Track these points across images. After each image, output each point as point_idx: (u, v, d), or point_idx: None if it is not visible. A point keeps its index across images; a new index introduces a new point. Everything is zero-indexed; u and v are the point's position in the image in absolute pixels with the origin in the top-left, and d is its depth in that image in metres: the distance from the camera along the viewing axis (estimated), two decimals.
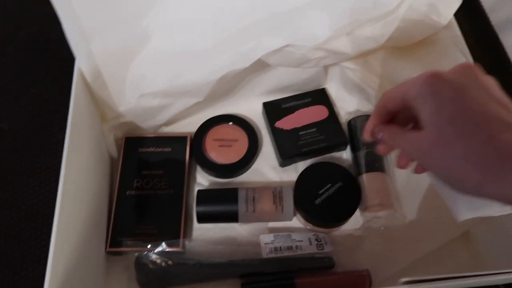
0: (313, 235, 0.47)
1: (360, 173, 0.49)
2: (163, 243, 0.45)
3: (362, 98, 0.55)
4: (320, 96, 0.55)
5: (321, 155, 0.53)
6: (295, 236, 0.46)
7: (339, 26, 0.42)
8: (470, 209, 0.36)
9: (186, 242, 0.47)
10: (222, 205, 0.47)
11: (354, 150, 0.51)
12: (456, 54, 0.46)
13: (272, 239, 0.46)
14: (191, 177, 0.52)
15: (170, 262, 0.45)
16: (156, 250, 0.45)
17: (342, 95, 0.56)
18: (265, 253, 0.45)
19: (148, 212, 0.48)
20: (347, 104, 0.56)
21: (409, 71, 0.49)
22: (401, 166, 0.35)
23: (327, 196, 0.46)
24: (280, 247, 0.45)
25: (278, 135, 0.53)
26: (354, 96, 0.55)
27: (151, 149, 0.52)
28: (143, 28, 0.42)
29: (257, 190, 0.48)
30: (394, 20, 0.45)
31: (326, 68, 0.54)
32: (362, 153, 0.50)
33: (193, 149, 0.52)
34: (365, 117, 0.52)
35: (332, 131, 0.53)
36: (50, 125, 0.55)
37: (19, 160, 0.53)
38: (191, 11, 0.41)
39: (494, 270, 0.34)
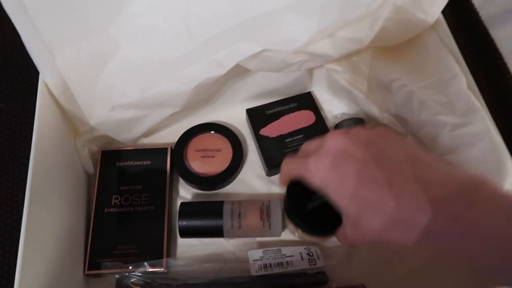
0: (305, 249, 0.44)
1: None
2: (145, 263, 0.43)
3: (350, 101, 0.52)
4: (306, 100, 0.53)
5: None
6: (285, 251, 0.44)
7: (318, 28, 0.40)
8: None
9: (170, 261, 0.44)
10: (207, 219, 0.45)
11: None
12: (445, 52, 0.44)
13: (261, 255, 0.44)
14: (173, 191, 0.50)
15: (153, 283, 0.42)
16: (137, 271, 0.42)
17: (329, 98, 0.54)
18: (254, 271, 0.42)
19: (128, 231, 0.45)
20: (335, 108, 0.54)
21: (396, 71, 0.47)
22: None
23: (320, 202, 0.44)
24: (270, 263, 0.43)
25: (263, 143, 0.50)
26: (342, 99, 0.53)
27: (130, 163, 0.49)
28: (110, 37, 0.39)
29: (243, 205, 0.45)
30: (378, 20, 0.43)
31: (311, 71, 0.52)
32: None
33: (174, 161, 0.50)
34: (353, 120, 0.50)
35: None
36: (19, 141, 0.51)
37: None
38: (161, 18, 0.38)
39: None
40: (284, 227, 0.47)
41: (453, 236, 0.26)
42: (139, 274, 0.42)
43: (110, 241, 0.45)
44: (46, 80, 0.39)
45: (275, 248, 0.44)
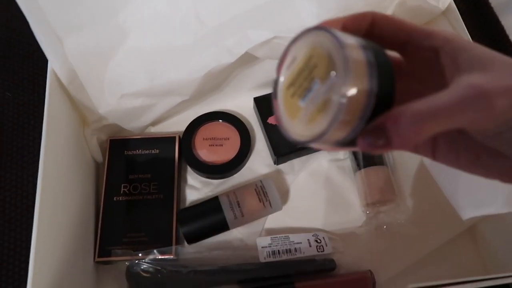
0: (312, 235, 0.45)
1: (358, 168, 0.47)
2: (155, 251, 0.43)
3: None
4: None
5: (317, 151, 0.50)
6: (293, 237, 0.44)
7: (328, 15, 0.40)
8: (473, 208, 0.34)
9: (179, 249, 0.45)
10: (208, 218, 0.45)
11: None
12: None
13: (269, 242, 0.44)
14: (182, 179, 0.50)
15: (163, 270, 0.42)
16: (147, 258, 0.43)
17: None
18: (263, 257, 0.43)
19: (137, 219, 0.46)
20: None
21: None
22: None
23: None
24: (278, 250, 0.43)
25: (271, 132, 0.50)
26: None
27: (138, 152, 0.49)
28: (119, 25, 0.38)
29: (238, 193, 0.45)
30: (388, 6, 0.43)
31: None
32: None
33: (182, 150, 0.50)
34: None
35: None
36: (28, 130, 0.52)
37: None
38: (170, 5, 0.38)
39: (501, 269, 0.32)
40: (283, 201, 0.47)
41: None
42: (149, 261, 0.43)
43: (119, 229, 0.45)
44: (55, 68, 0.39)
45: (283, 235, 0.45)
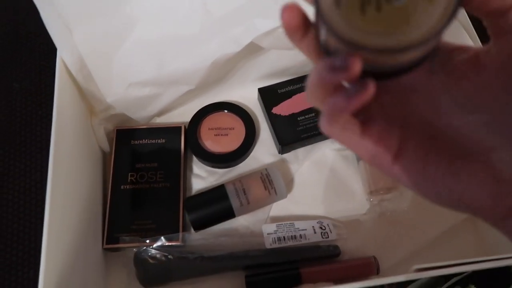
0: (317, 222, 0.45)
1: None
2: (162, 238, 0.44)
3: None
4: None
5: (321, 140, 0.51)
6: (298, 224, 0.45)
7: None
8: None
9: (186, 236, 0.45)
10: (215, 206, 0.45)
11: None
12: (460, 32, 0.44)
13: (275, 228, 0.45)
14: (187, 168, 0.51)
15: (170, 257, 0.43)
16: (155, 245, 0.44)
17: None
18: (268, 244, 0.44)
19: (144, 207, 0.46)
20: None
21: None
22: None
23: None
24: (284, 237, 0.44)
25: (275, 122, 0.51)
26: None
27: (144, 141, 0.50)
28: (127, 14, 0.39)
29: (244, 181, 0.46)
30: None
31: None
32: None
33: (188, 140, 0.50)
34: None
35: None
36: (36, 120, 0.52)
37: (4, 158, 0.50)
38: None
39: (501, 253, 0.33)
40: (288, 189, 0.47)
41: None
42: (156, 248, 0.43)
43: (127, 217, 0.46)
44: (64, 57, 0.39)
45: (288, 222, 0.45)
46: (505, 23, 0.17)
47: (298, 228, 0.45)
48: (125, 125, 0.51)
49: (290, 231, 0.44)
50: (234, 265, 0.44)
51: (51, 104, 0.38)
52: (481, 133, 0.19)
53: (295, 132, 0.50)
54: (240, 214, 0.46)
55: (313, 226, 0.45)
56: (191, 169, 0.51)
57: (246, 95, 0.54)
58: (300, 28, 0.18)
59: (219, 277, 0.44)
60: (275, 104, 0.52)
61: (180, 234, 0.45)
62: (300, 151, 0.51)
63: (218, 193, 0.46)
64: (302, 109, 0.51)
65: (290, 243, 0.44)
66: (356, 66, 0.16)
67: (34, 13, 0.37)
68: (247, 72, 0.53)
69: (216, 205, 0.45)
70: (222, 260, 0.43)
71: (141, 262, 0.43)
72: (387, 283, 0.34)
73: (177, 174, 0.48)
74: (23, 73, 0.55)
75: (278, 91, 0.53)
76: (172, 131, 0.51)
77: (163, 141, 0.50)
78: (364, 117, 0.21)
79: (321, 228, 0.45)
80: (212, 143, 0.50)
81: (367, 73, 0.17)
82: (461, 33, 0.44)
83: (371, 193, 0.46)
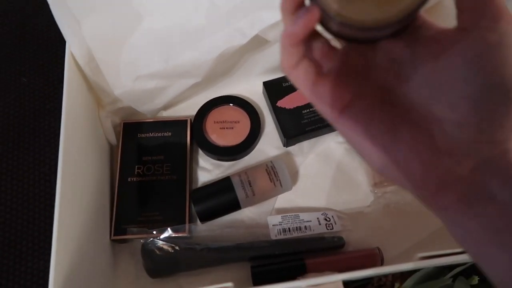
0: (322, 214, 0.46)
1: None
2: (169, 229, 0.44)
3: None
4: None
5: (325, 133, 0.51)
6: (303, 216, 0.46)
7: None
8: None
9: (192, 227, 0.46)
10: (221, 197, 0.46)
11: None
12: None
13: (280, 220, 0.45)
14: (193, 161, 0.51)
15: (177, 248, 0.44)
16: (162, 236, 0.44)
17: None
18: (274, 235, 0.44)
19: (151, 199, 0.47)
20: None
21: None
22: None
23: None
24: (289, 228, 0.45)
25: (280, 115, 0.51)
26: None
27: (151, 134, 0.51)
28: (134, 8, 0.40)
29: (249, 173, 0.46)
30: None
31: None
32: None
33: (194, 133, 0.51)
34: None
35: None
36: (43, 114, 0.53)
37: (14, 151, 0.51)
38: None
39: None
40: (293, 182, 0.48)
41: None
42: (163, 239, 0.44)
43: (134, 209, 0.46)
44: (73, 50, 0.40)
45: (293, 213, 0.46)
46: (467, 20, 0.19)
47: (303, 219, 0.45)
48: (132, 118, 0.52)
49: (295, 223, 0.45)
50: (240, 256, 0.44)
51: (58, 97, 0.39)
52: (432, 106, 0.20)
53: (300, 125, 0.50)
54: (245, 206, 0.47)
55: (317, 218, 0.45)
56: (197, 162, 0.51)
57: (251, 88, 0.54)
58: None
59: (225, 267, 0.44)
60: (280, 98, 0.52)
61: (187, 225, 0.45)
62: (305, 144, 0.51)
63: (224, 185, 0.46)
64: (307, 102, 0.51)
65: (295, 234, 0.44)
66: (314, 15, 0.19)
67: (42, 6, 0.38)
68: (252, 66, 0.53)
69: (222, 196, 0.46)
70: (228, 251, 0.44)
71: (148, 253, 0.43)
72: (391, 271, 0.34)
73: (183, 166, 0.49)
74: (31, 67, 0.56)
75: (283, 84, 0.53)
76: (178, 124, 0.51)
77: (170, 134, 0.51)
78: (326, 68, 0.22)
79: (325, 219, 0.45)
80: (217, 136, 0.51)
81: (341, 36, 0.20)
82: None
83: (375, 185, 0.46)
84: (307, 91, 0.22)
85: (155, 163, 0.49)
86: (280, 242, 0.44)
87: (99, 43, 0.40)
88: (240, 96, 0.53)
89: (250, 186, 0.46)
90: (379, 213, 0.47)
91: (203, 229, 0.46)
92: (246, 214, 0.48)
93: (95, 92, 0.46)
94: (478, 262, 0.19)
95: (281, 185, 0.46)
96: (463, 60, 0.18)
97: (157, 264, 0.44)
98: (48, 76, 0.55)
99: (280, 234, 0.44)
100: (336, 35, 0.21)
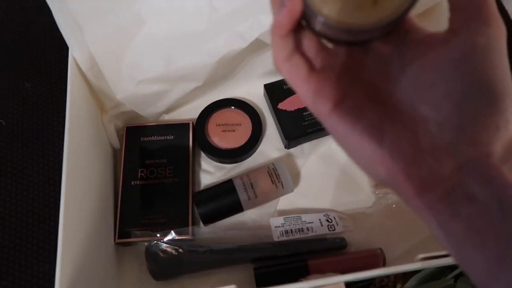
0: (324, 215, 0.46)
1: None
2: (172, 232, 0.45)
3: None
4: None
5: (326, 135, 0.52)
6: (305, 217, 0.46)
7: None
8: None
9: (196, 229, 0.46)
10: (223, 200, 0.46)
11: None
12: None
13: (282, 222, 0.46)
14: (196, 164, 0.52)
15: (180, 250, 0.44)
16: (165, 239, 0.45)
17: None
18: (276, 237, 0.44)
19: (154, 202, 0.47)
20: None
21: None
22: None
23: None
24: (291, 229, 0.45)
25: (281, 117, 0.51)
26: None
27: (154, 138, 0.51)
28: (136, 13, 0.40)
29: (251, 175, 0.47)
30: None
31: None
32: None
33: (196, 136, 0.51)
34: None
35: None
36: (47, 118, 0.54)
37: (18, 155, 0.52)
38: None
39: None
40: (295, 183, 0.48)
41: None
42: (167, 241, 0.44)
43: (138, 212, 0.47)
44: (75, 55, 0.40)
45: (295, 215, 0.46)
46: (458, 20, 0.19)
47: (305, 221, 0.46)
48: (134, 122, 0.52)
49: (297, 224, 0.45)
50: (243, 257, 0.45)
51: (61, 102, 0.39)
52: (418, 105, 0.20)
53: (301, 127, 0.51)
54: (248, 208, 0.47)
55: (319, 219, 0.46)
56: (199, 165, 0.52)
57: (252, 91, 0.55)
58: None
59: (228, 269, 0.45)
60: (281, 100, 0.52)
61: (190, 228, 0.46)
62: (306, 146, 0.52)
63: (226, 187, 0.47)
64: None
65: (298, 236, 0.45)
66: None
67: (45, 12, 0.38)
68: (252, 68, 0.53)
69: (225, 199, 0.46)
70: (231, 253, 0.44)
71: (152, 256, 0.44)
72: (393, 272, 0.35)
73: (186, 169, 0.49)
74: (35, 72, 0.56)
75: (284, 87, 0.53)
76: (180, 127, 0.52)
77: (172, 137, 0.51)
78: (318, 65, 0.23)
79: (327, 220, 0.46)
80: (219, 139, 0.51)
81: (325, 37, 0.20)
82: None
83: (377, 186, 0.47)
84: (298, 87, 0.23)
85: (158, 166, 0.49)
86: (282, 243, 0.45)
87: (101, 48, 0.41)
88: (241, 99, 0.54)
89: (252, 188, 0.46)
90: (381, 214, 0.47)
91: (206, 232, 0.46)
92: (249, 216, 0.48)
93: (98, 96, 0.46)
94: (459, 263, 0.19)
95: (283, 186, 0.47)
96: (449, 61, 0.19)
97: (161, 266, 0.44)
98: (51, 81, 0.56)
99: (283, 235, 0.45)
100: (320, 35, 0.21)
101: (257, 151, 0.52)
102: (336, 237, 0.45)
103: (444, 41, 0.19)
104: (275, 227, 0.45)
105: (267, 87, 0.54)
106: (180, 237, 0.45)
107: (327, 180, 0.50)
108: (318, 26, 0.20)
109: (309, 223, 0.45)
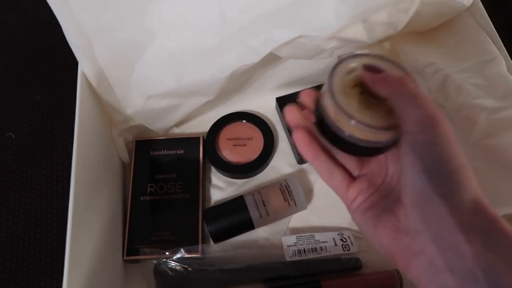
0: (338, 234, 0.45)
1: None
2: (182, 250, 0.44)
3: None
4: None
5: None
6: (318, 236, 0.44)
7: (353, 12, 0.40)
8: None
9: (205, 247, 0.45)
10: (234, 217, 0.45)
11: None
12: (482, 35, 0.43)
13: (295, 241, 0.44)
14: (206, 179, 0.51)
15: (190, 269, 0.43)
16: (174, 257, 0.43)
17: None
18: (288, 256, 0.43)
19: (164, 218, 0.46)
20: None
21: (430, 56, 0.46)
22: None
23: None
24: (304, 249, 0.43)
25: None
26: None
27: (163, 152, 0.50)
28: (146, 27, 0.39)
29: (263, 192, 0.46)
30: (413, 4, 0.42)
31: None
32: None
33: (206, 150, 0.50)
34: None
35: None
36: (56, 132, 0.53)
37: (27, 169, 0.51)
38: (195, 6, 0.39)
39: None
40: (307, 200, 0.47)
41: None
42: (176, 260, 0.43)
43: (147, 228, 0.46)
44: (85, 70, 0.40)
45: (308, 234, 0.45)
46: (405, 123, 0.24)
47: (319, 240, 0.44)
48: (144, 135, 0.51)
49: (310, 243, 0.44)
50: (254, 277, 0.43)
51: (71, 115, 0.38)
52: (402, 194, 0.24)
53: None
54: (259, 226, 0.46)
55: (333, 238, 0.44)
56: (209, 180, 0.51)
57: (264, 104, 0.53)
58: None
59: None
60: None
61: (200, 246, 0.44)
62: None
63: (237, 204, 0.46)
64: None
65: (311, 255, 0.43)
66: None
67: (55, 26, 0.38)
68: (264, 81, 0.52)
69: (235, 216, 0.45)
70: (241, 272, 0.43)
71: (161, 274, 0.43)
72: None
73: (196, 185, 0.48)
74: (45, 85, 0.56)
75: (296, 100, 0.52)
76: (190, 141, 0.51)
77: (182, 151, 0.50)
78: (356, 174, 0.28)
79: (342, 240, 0.44)
80: (230, 153, 0.50)
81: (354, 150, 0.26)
82: (487, 43, 0.43)
83: None
84: (339, 195, 0.29)
85: (167, 182, 0.48)
86: (295, 263, 0.43)
87: (111, 63, 0.40)
88: (252, 112, 0.53)
89: (264, 205, 0.45)
90: None
91: (216, 250, 0.45)
92: (260, 234, 0.47)
93: (108, 110, 0.46)
94: None
95: (295, 204, 0.45)
96: (410, 158, 0.23)
97: (170, 285, 0.43)
98: (61, 94, 0.55)
99: (295, 255, 0.43)
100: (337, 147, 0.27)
101: (269, 166, 0.51)
102: (350, 257, 0.44)
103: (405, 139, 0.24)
104: (288, 246, 0.44)
105: (279, 100, 0.53)
106: (189, 255, 0.44)
107: None
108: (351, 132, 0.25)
109: (322, 242, 0.44)
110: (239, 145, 0.51)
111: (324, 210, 0.47)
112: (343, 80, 0.26)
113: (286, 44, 0.41)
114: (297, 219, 0.47)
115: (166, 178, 0.48)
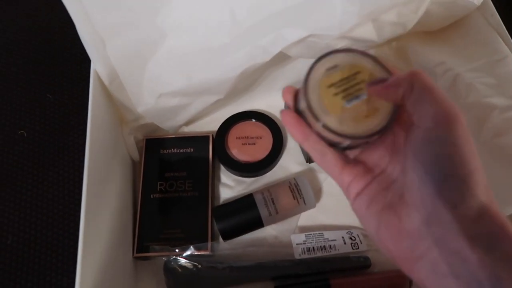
0: (347, 233, 0.45)
1: None
2: (191, 247, 0.44)
3: None
4: None
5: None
6: (327, 235, 0.44)
7: (364, 12, 0.40)
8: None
9: (215, 245, 0.45)
10: (243, 215, 0.45)
11: None
12: (493, 34, 0.43)
13: (304, 239, 0.44)
14: (215, 177, 0.51)
15: (199, 266, 0.43)
16: (184, 254, 0.44)
17: None
18: (298, 254, 0.43)
19: (173, 216, 0.47)
20: None
21: (440, 56, 0.46)
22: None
23: None
24: (313, 247, 0.44)
25: None
26: None
27: (173, 150, 0.51)
28: (158, 27, 0.40)
29: (272, 190, 0.46)
30: (423, 3, 0.43)
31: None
32: None
33: (216, 149, 0.51)
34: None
35: None
36: (68, 130, 0.54)
37: (39, 167, 0.52)
38: (206, 6, 0.39)
39: None
40: (316, 199, 0.47)
41: None
42: (186, 257, 0.44)
43: (156, 226, 0.46)
44: (98, 69, 0.40)
45: (317, 232, 0.45)
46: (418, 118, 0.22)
47: (328, 238, 0.44)
48: (154, 134, 0.52)
49: (319, 242, 0.44)
50: (262, 275, 0.43)
51: (82, 114, 0.39)
52: (406, 194, 0.23)
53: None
54: (268, 224, 0.46)
55: (342, 237, 0.44)
56: (219, 178, 0.51)
57: (273, 103, 0.54)
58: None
59: (248, 287, 0.44)
60: None
61: (209, 243, 0.45)
62: None
63: (246, 202, 0.46)
64: None
65: (320, 254, 0.43)
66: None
67: (68, 25, 0.39)
68: (274, 80, 0.53)
69: (245, 214, 0.45)
70: (251, 270, 0.43)
71: (170, 271, 0.43)
72: None
73: (205, 183, 0.48)
74: (57, 84, 0.57)
75: None
76: (200, 140, 0.51)
77: (192, 150, 0.50)
78: (353, 160, 0.27)
79: (351, 238, 0.44)
80: (239, 152, 0.51)
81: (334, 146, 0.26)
82: (497, 42, 0.43)
83: None
84: (333, 177, 0.27)
85: (177, 180, 0.49)
86: (304, 261, 0.43)
87: (123, 62, 0.41)
88: (262, 111, 0.53)
89: (273, 204, 0.45)
90: None
91: (226, 248, 0.45)
92: (269, 232, 0.47)
93: (119, 109, 0.46)
94: None
95: (304, 202, 0.46)
96: (420, 156, 0.22)
97: (179, 282, 0.43)
98: (73, 92, 0.56)
99: (304, 253, 0.43)
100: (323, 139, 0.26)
101: (278, 165, 0.51)
102: (360, 256, 0.44)
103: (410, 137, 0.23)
104: (297, 244, 0.44)
105: None
106: (199, 253, 0.44)
107: None
108: (319, 131, 0.25)
109: (331, 240, 0.44)
110: (248, 144, 0.51)
111: (332, 209, 0.48)
112: (319, 79, 0.25)
113: (296, 43, 0.41)
114: (306, 218, 0.47)
115: (176, 176, 0.49)
